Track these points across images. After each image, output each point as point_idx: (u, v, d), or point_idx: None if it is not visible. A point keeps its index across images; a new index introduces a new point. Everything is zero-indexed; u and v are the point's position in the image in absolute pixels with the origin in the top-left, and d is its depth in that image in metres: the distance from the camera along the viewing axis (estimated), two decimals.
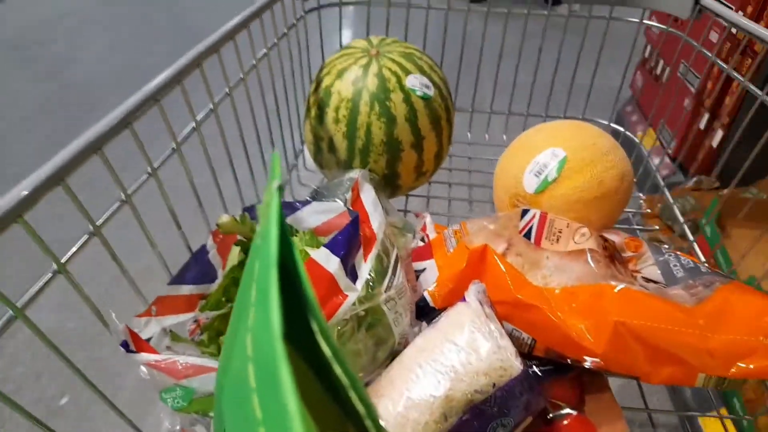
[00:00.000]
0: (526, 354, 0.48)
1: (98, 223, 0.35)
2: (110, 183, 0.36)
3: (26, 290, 0.30)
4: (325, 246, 0.38)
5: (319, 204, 0.52)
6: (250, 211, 0.51)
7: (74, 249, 0.33)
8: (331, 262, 0.37)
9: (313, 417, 0.15)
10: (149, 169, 0.40)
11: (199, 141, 0.47)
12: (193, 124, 0.46)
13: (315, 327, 0.14)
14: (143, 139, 0.38)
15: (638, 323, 0.43)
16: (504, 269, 0.47)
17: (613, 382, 0.49)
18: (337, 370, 0.13)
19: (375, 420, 0.14)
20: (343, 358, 0.14)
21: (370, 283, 0.39)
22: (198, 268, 0.45)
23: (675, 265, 0.51)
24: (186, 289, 0.43)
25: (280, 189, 0.14)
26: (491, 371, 0.38)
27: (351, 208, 0.44)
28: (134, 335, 0.34)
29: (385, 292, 0.40)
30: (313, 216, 0.51)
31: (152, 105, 0.39)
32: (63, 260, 0.32)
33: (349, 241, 0.38)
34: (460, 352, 0.39)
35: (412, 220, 0.64)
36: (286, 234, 0.14)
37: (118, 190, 0.38)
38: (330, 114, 0.61)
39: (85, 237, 0.34)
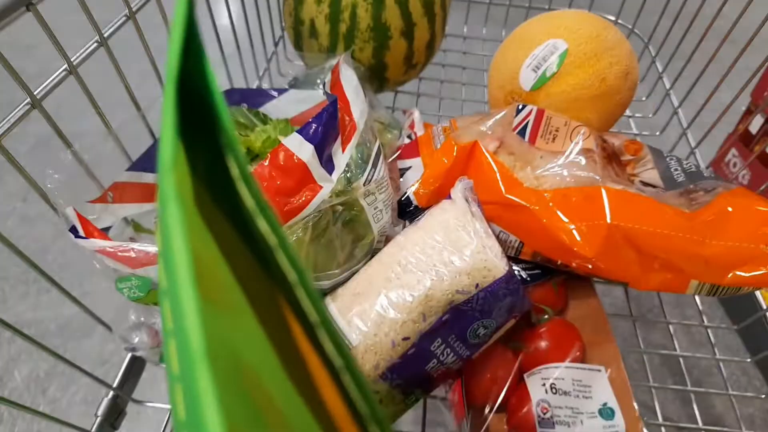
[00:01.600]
0: (512, 257, 0.46)
1: (37, 94, 0.30)
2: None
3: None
4: (298, 132, 0.34)
5: (298, 92, 0.48)
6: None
7: (9, 118, 0.29)
8: (303, 150, 0.33)
9: (236, 275, 0.12)
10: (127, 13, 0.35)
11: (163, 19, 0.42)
12: None
13: (234, 171, 0.10)
14: None
15: (632, 227, 0.40)
16: (494, 167, 0.44)
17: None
18: (262, 225, 0.10)
19: (307, 287, 0.11)
20: (270, 213, 0.10)
21: (348, 175, 0.36)
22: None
23: (676, 170, 0.48)
24: (150, 177, 0.40)
25: None
26: (474, 271, 0.35)
27: (329, 92, 0.40)
28: (84, 220, 0.31)
29: (364, 185, 0.37)
30: (290, 105, 0.47)
31: None
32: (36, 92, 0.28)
33: (325, 127, 0.34)
34: (443, 251, 0.36)
35: (400, 118, 0.60)
36: (199, 48, 0.10)
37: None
38: None
39: (26, 107, 0.30)
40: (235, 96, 0.47)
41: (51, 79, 0.32)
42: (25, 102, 0.30)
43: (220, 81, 0.53)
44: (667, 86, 0.66)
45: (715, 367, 0.48)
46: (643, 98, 0.71)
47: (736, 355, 0.50)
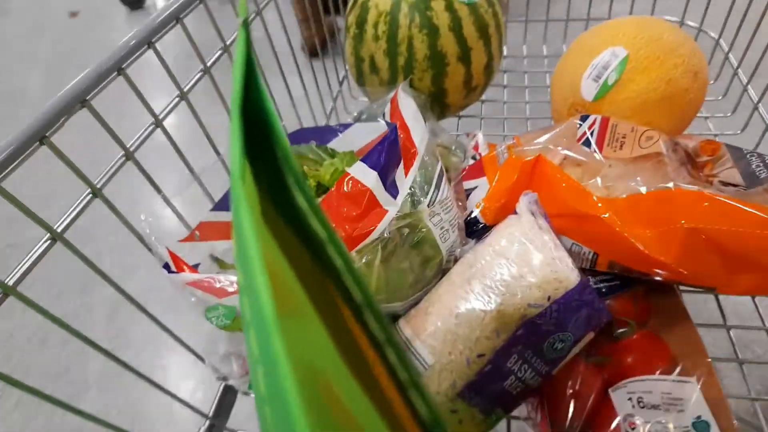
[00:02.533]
0: (588, 269, 0.45)
1: (130, 147, 0.34)
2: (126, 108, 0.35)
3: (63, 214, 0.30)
4: (362, 160, 0.36)
5: (362, 125, 0.50)
6: (291, 135, 0.50)
7: (108, 171, 0.32)
8: (368, 176, 0.35)
9: (297, 274, 0.14)
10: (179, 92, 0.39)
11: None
12: (222, 47, 0.45)
13: (290, 180, 0.12)
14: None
15: (713, 228, 0.38)
16: (560, 180, 0.43)
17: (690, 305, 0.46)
18: (314, 223, 0.12)
19: (353, 272, 0.12)
20: (321, 212, 0.12)
21: (413, 198, 0.37)
22: None
23: (758, 166, 0.45)
24: (230, 216, 0.43)
25: (245, 23, 0.12)
26: (545, 284, 0.35)
27: (389, 121, 0.41)
28: (175, 257, 0.34)
29: (429, 207, 0.38)
30: (355, 138, 0.49)
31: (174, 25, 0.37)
32: (97, 183, 0.31)
33: (387, 154, 0.36)
34: (512, 266, 0.36)
35: (465, 141, 0.61)
36: (257, 80, 0.12)
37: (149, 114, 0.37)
38: (369, 31, 0.57)
39: (121, 160, 0.34)
40: (305, 135, 0.50)
41: (140, 133, 0.36)
42: (120, 155, 0.34)
43: (290, 123, 0.56)
44: (744, 82, 0.63)
45: None
46: (719, 97, 0.68)
47: None
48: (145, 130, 0.36)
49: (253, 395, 0.43)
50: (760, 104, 0.61)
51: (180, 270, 0.34)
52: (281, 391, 0.09)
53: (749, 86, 0.63)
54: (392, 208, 0.35)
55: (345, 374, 0.15)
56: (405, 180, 0.37)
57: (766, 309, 0.50)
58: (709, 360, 0.41)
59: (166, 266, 0.34)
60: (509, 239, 0.37)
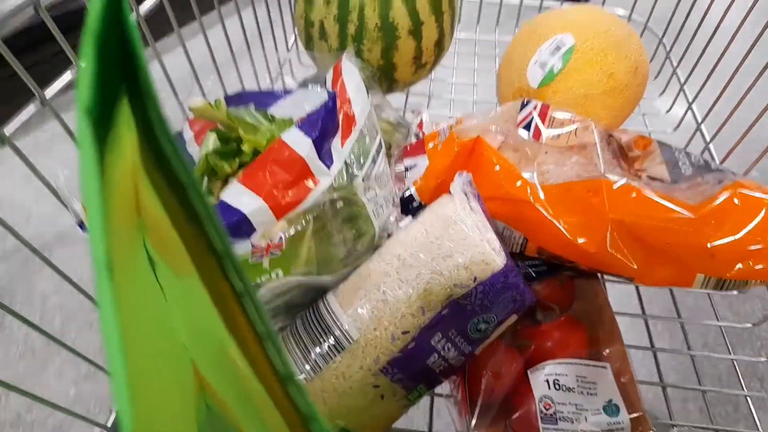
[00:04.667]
0: (517, 254, 0.46)
1: (46, 94, 0.32)
2: None
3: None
4: (297, 126, 0.35)
5: (304, 92, 0.48)
6: (229, 99, 0.48)
7: (19, 117, 0.30)
8: (302, 144, 0.34)
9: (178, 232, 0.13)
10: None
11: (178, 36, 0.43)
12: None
13: (153, 115, 0.11)
14: None
15: (635, 221, 0.40)
16: (496, 163, 0.44)
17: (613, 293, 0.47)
18: (177, 165, 0.11)
19: (213, 219, 0.11)
20: (179, 152, 0.11)
21: (348, 171, 0.37)
22: None
23: (684, 163, 0.47)
24: None
25: None
26: (472, 265, 0.35)
27: (329, 90, 0.40)
28: None
29: (364, 181, 0.37)
30: (297, 105, 0.47)
31: None
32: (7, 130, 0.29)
33: (323, 122, 0.35)
34: (441, 246, 0.36)
35: (410, 118, 0.60)
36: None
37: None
38: None
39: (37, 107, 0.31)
40: (244, 98, 0.48)
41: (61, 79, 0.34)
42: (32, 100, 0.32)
43: (232, 86, 0.54)
44: (681, 80, 0.65)
45: (731, 367, 0.47)
46: (657, 96, 0.70)
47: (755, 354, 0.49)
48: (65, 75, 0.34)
49: None
50: (693, 104, 0.64)
51: None
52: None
53: (685, 86, 0.66)
54: (325, 178, 0.35)
55: (230, 341, 0.15)
56: (341, 151, 0.37)
57: (681, 300, 0.52)
58: (624, 347, 0.42)
59: (81, 225, 0.32)
60: (440, 219, 0.37)
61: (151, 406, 0.13)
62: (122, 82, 0.13)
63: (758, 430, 0.44)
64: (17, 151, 0.30)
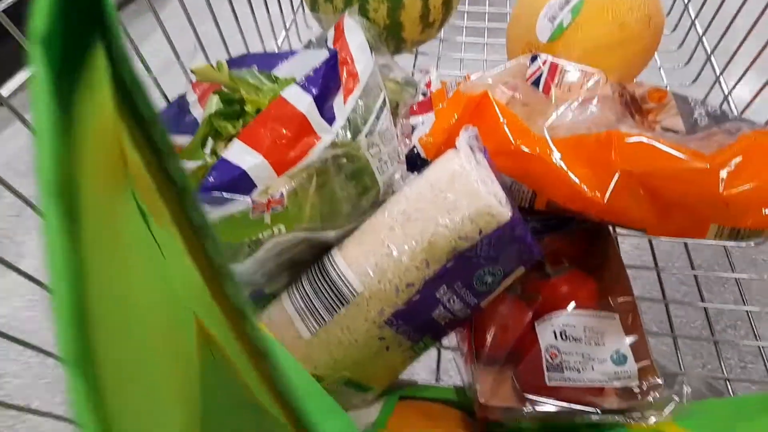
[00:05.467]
0: (526, 208, 0.45)
1: None
2: None
3: None
4: (297, 83, 0.35)
5: (308, 53, 0.48)
6: (232, 61, 0.48)
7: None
8: (302, 101, 0.34)
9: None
10: None
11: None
12: None
13: (117, 55, 0.11)
14: None
15: (646, 171, 0.39)
16: (503, 117, 0.43)
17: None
18: (140, 100, 0.11)
19: (173, 158, 0.12)
20: (141, 87, 0.11)
21: (351, 127, 0.36)
22: (177, 119, 0.43)
23: (700, 114, 0.46)
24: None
25: None
26: (478, 217, 0.35)
27: (332, 47, 0.40)
28: None
29: (367, 137, 0.37)
30: (301, 66, 0.47)
31: None
32: None
33: (324, 78, 0.35)
34: (446, 199, 0.36)
35: (419, 78, 0.59)
36: None
37: None
38: None
39: None
40: (247, 60, 0.48)
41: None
42: None
43: (236, 48, 0.53)
44: (700, 33, 0.63)
45: (743, 319, 0.47)
46: (674, 47, 0.68)
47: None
48: None
49: None
50: (712, 56, 0.62)
51: None
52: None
53: (704, 38, 0.63)
54: (327, 135, 0.35)
55: (212, 307, 0.15)
56: (343, 108, 0.36)
57: (694, 251, 0.52)
58: (634, 297, 0.42)
59: None
60: (445, 172, 0.37)
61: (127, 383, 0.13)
62: (94, 34, 0.13)
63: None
64: (15, 112, 0.31)
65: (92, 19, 0.12)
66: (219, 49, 0.53)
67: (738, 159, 0.39)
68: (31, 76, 0.09)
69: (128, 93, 0.11)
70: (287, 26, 0.68)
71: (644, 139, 0.41)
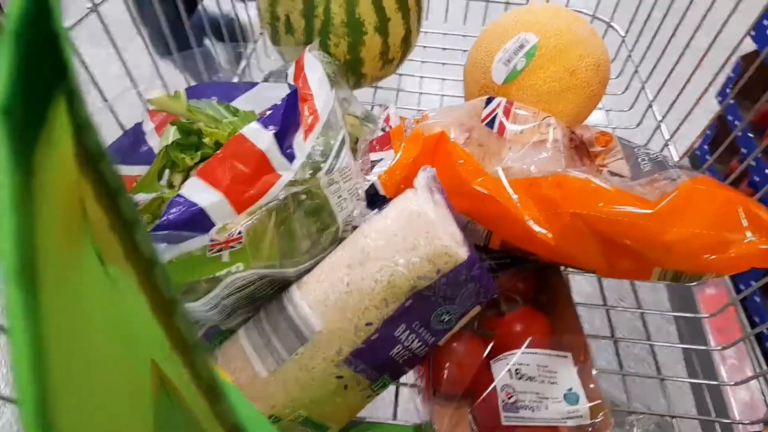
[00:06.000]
0: (482, 247, 0.46)
1: None
2: None
3: None
4: (258, 120, 0.34)
5: (269, 85, 0.48)
6: (191, 90, 0.47)
7: None
8: (262, 138, 0.34)
9: None
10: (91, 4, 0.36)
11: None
12: None
13: (81, 116, 0.11)
14: None
15: (593, 214, 0.41)
16: (459, 158, 0.44)
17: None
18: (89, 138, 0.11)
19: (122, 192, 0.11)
20: (90, 123, 0.11)
21: (311, 164, 0.37)
22: (132, 148, 0.42)
23: (643, 159, 0.48)
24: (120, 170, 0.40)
25: None
26: (435, 257, 0.36)
27: (291, 83, 0.40)
28: None
29: (327, 174, 0.37)
30: (261, 99, 0.47)
31: None
32: None
33: (284, 116, 0.35)
34: (405, 239, 0.37)
35: (378, 113, 0.60)
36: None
37: None
38: None
39: None
40: (206, 90, 0.48)
41: None
42: None
43: (195, 77, 0.53)
44: (642, 80, 0.67)
45: (682, 358, 0.49)
46: (619, 93, 0.71)
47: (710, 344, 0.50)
48: None
49: None
50: (654, 103, 0.65)
51: None
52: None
53: (646, 85, 0.67)
54: (287, 173, 0.35)
55: (165, 344, 0.15)
56: (304, 145, 0.37)
57: (643, 292, 0.54)
58: (585, 336, 0.43)
59: None
60: (403, 212, 0.38)
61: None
62: (54, 82, 0.12)
63: (714, 418, 0.45)
64: None
65: (53, 77, 0.12)
66: (177, 77, 0.52)
67: (678, 206, 0.41)
68: None
69: (81, 132, 0.11)
70: (248, 55, 0.68)
71: (592, 185, 0.43)
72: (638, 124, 0.68)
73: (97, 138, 0.11)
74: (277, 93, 0.46)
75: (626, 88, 0.72)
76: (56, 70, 0.12)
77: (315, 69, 0.41)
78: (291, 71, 0.43)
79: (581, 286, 0.52)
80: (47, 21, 0.10)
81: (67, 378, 0.11)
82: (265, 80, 0.51)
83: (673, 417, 0.45)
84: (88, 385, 0.14)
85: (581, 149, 0.49)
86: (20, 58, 0.09)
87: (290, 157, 0.35)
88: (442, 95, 0.73)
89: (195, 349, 0.12)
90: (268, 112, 0.35)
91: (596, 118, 0.59)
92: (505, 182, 0.43)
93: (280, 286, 0.39)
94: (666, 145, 0.62)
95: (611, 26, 0.75)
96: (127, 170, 0.41)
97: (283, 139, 0.35)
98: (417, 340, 0.38)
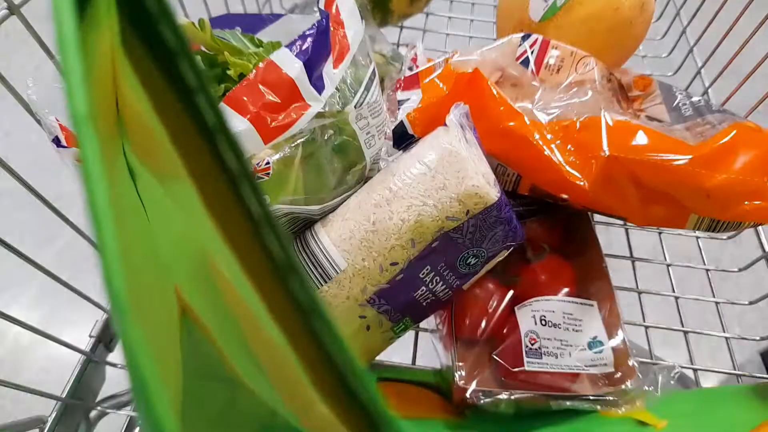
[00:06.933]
0: (510, 191, 0.45)
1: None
2: None
3: None
4: (286, 46, 0.33)
5: (294, 17, 0.46)
6: (214, 21, 0.45)
7: None
8: (292, 65, 0.32)
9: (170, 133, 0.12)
10: None
11: None
12: None
13: (152, 7, 0.10)
14: None
15: (631, 158, 0.39)
16: (493, 97, 0.42)
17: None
18: (184, 67, 0.10)
19: (226, 133, 0.10)
20: (189, 50, 0.10)
21: (339, 97, 0.35)
22: None
23: (684, 104, 0.46)
24: None
25: None
26: (465, 198, 0.35)
27: (322, 9, 0.38)
28: (67, 131, 0.30)
29: (356, 108, 0.36)
30: (286, 30, 0.45)
31: None
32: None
33: (315, 43, 0.33)
34: (435, 177, 0.35)
35: (404, 53, 0.58)
36: None
37: None
38: None
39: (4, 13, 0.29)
40: (230, 21, 0.46)
41: None
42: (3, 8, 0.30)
43: (216, 8, 0.51)
44: (683, 24, 0.63)
45: (714, 312, 0.48)
46: (658, 37, 0.68)
47: (737, 298, 0.49)
48: None
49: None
50: (695, 48, 0.62)
51: (73, 145, 0.30)
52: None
53: (687, 29, 0.64)
54: (316, 103, 0.33)
55: (227, 251, 0.14)
56: (333, 74, 0.35)
57: (669, 245, 0.53)
58: (612, 285, 0.42)
59: (56, 140, 0.30)
60: (435, 150, 0.36)
61: (140, 305, 0.12)
62: None
63: (736, 370, 0.45)
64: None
65: None
66: (198, 6, 0.50)
67: (721, 151, 0.39)
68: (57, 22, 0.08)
69: (148, 23, 0.10)
70: None
71: (631, 128, 0.41)
72: (677, 71, 0.64)
73: (177, 29, 0.10)
74: (303, 25, 0.44)
75: (666, 31, 0.68)
76: None
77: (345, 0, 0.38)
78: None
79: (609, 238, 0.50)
80: None
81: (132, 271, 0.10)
82: (291, 12, 0.49)
83: (696, 370, 0.44)
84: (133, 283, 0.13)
85: (619, 92, 0.47)
86: None
87: (319, 88, 0.34)
88: (470, 36, 0.70)
89: (291, 266, 0.11)
90: (299, 38, 0.33)
91: (632, 63, 0.56)
92: (541, 123, 0.41)
93: (304, 225, 0.38)
94: (705, 92, 0.59)
95: None
96: None
97: (313, 67, 0.33)
98: (441, 283, 0.37)
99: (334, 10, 0.37)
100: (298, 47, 0.33)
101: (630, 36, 0.51)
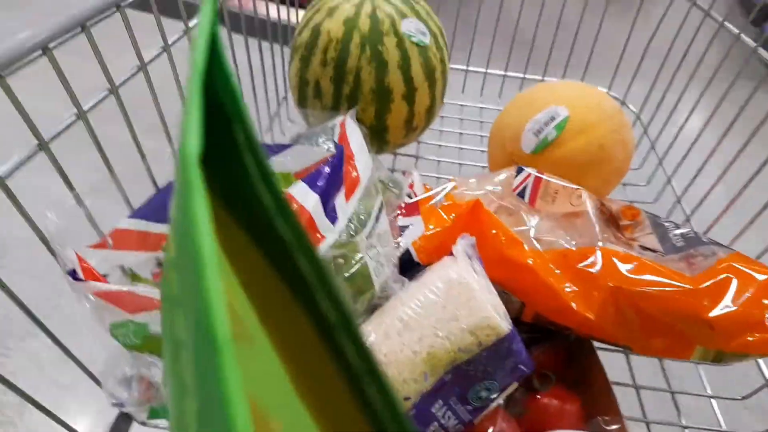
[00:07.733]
0: (513, 319, 0.45)
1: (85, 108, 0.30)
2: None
3: None
4: (304, 181, 0.34)
5: (301, 148, 0.48)
6: None
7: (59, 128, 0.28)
8: (308, 199, 0.33)
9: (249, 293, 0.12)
10: (109, 86, 0.36)
11: (170, 67, 0.43)
12: (163, 45, 0.42)
13: (252, 171, 0.10)
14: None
15: (634, 289, 0.40)
16: (495, 227, 0.43)
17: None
18: (279, 223, 0.10)
19: (328, 284, 0.10)
20: (287, 208, 0.10)
21: (351, 227, 0.36)
22: (168, 206, 0.41)
23: (674, 234, 0.48)
24: (151, 227, 0.39)
25: None
26: (477, 330, 0.34)
27: (337, 142, 0.40)
28: (84, 263, 0.30)
29: (367, 238, 0.36)
30: (293, 161, 0.47)
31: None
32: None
33: (329, 177, 0.34)
34: (445, 308, 0.35)
35: (400, 179, 0.60)
36: (218, 50, 0.10)
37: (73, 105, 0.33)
38: (318, 55, 0.56)
39: (34, 149, 0.30)
40: None
41: (61, 123, 0.32)
42: (35, 146, 0.30)
43: None
44: (659, 157, 0.68)
45: None
46: (635, 167, 0.72)
47: (740, 424, 0.48)
48: (67, 119, 0.32)
49: (152, 426, 0.39)
50: (672, 179, 0.66)
51: (90, 278, 0.30)
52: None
53: (663, 161, 0.68)
54: (330, 234, 0.34)
55: (297, 407, 0.13)
56: (345, 207, 0.36)
57: (671, 371, 0.52)
58: (623, 420, 0.41)
59: (72, 273, 0.30)
60: (444, 281, 0.36)
61: None
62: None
63: None
64: (8, 193, 0.28)
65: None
66: None
67: (720, 283, 0.40)
68: (187, 203, 0.08)
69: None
70: (272, 117, 0.68)
71: (630, 258, 0.42)
72: (656, 200, 0.68)
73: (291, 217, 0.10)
74: (310, 155, 0.46)
75: (642, 163, 0.73)
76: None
77: (355, 133, 0.41)
78: (336, 132, 0.43)
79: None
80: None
81: None
82: (295, 142, 0.51)
83: None
84: None
85: (612, 222, 0.49)
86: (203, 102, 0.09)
87: (333, 219, 0.34)
88: (460, 163, 0.73)
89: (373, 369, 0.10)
90: (314, 172, 0.34)
91: (614, 194, 0.59)
92: (541, 252, 0.43)
93: None
94: (687, 220, 0.62)
95: (625, 104, 0.77)
96: (164, 228, 0.40)
97: (327, 199, 0.34)
98: (453, 418, 0.36)
99: (345, 144, 0.39)
100: (313, 180, 0.34)
101: (614, 170, 0.54)
